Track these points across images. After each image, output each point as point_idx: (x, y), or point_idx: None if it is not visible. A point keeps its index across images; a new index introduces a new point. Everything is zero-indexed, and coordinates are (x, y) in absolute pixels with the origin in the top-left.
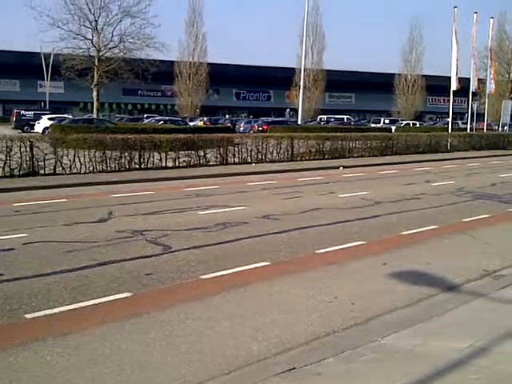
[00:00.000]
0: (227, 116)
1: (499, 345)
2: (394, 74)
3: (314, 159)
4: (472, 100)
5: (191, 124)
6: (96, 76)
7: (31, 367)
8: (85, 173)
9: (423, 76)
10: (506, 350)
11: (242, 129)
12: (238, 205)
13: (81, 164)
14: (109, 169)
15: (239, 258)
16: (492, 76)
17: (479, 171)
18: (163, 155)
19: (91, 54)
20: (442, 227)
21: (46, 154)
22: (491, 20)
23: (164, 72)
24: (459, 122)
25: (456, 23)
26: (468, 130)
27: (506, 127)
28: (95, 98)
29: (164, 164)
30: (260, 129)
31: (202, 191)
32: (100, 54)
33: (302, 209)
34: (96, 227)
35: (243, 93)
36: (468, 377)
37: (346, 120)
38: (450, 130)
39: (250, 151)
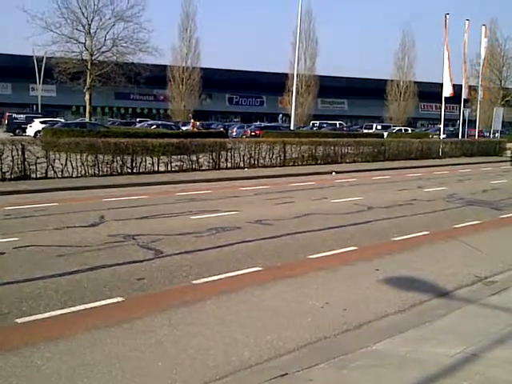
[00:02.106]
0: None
1: (491, 351)
2: (386, 80)
3: (307, 164)
4: (464, 107)
5: (184, 128)
6: (88, 80)
7: (21, 372)
8: (77, 177)
9: (415, 82)
10: (498, 356)
11: (234, 134)
12: (230, 210)
13: (73, 168)
14: (101, 173)
15: (231, 263)
16: (483, 83)
17: (470, 177)
18: (155, 159)
19: (84, 57)
20: (434, 233)
21: (38, 158)
22: (483, 27)
23: (157, 76)
24: (451, 128)
25: (447, 30)
26: (460, 137)
27: (497, 134)
28: (87, 102)
29: (156, 168)
30: (253, 134)
31: (194, 196)
32: (93, 57)
33: (295, 214)
34: (88, 231)
35: (236, 98)
36: (460, 382)
37: (338, 125)
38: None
39: (243, 156)
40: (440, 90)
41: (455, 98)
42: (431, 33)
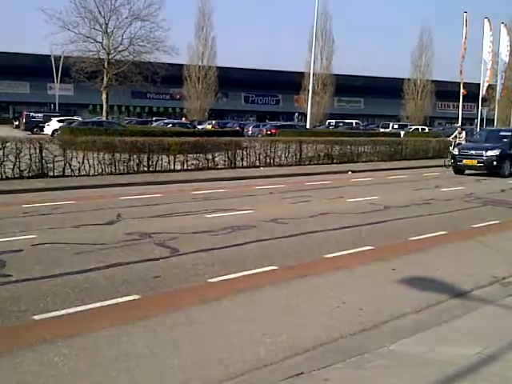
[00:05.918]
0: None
1: (508, 352)
2: (403, 79)
3: (323, 163)
4: (482, 105)
5: (199, 127)
6: (105, 79)
7: (38, 369)
8: (94, 175)
9: (433, 81)
10: None
11: (250, 132)
12: (245, 208)
13: (90, 166)
14: (117, 171)
15: (247, 261)
16: (503, 81)
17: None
18: (172, 158)
19: (101, 56)
20: (452, 233)
21: (56, 156)
22: (502, 25)
23: (173, 75)
24: (469, 127)
25: (466, 28)
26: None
27: None
28: (104, 101)
29: (172, 167)
30: (268, 133)
31: (209, 194)
32: (110, 56)
33: (311, 213)
34: (104, 229)
35: (252, 96)
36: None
37: (354, 124)
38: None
39: (259, 155)
40: (458, 88)
41: (473, 96)
42: (450, 31)
